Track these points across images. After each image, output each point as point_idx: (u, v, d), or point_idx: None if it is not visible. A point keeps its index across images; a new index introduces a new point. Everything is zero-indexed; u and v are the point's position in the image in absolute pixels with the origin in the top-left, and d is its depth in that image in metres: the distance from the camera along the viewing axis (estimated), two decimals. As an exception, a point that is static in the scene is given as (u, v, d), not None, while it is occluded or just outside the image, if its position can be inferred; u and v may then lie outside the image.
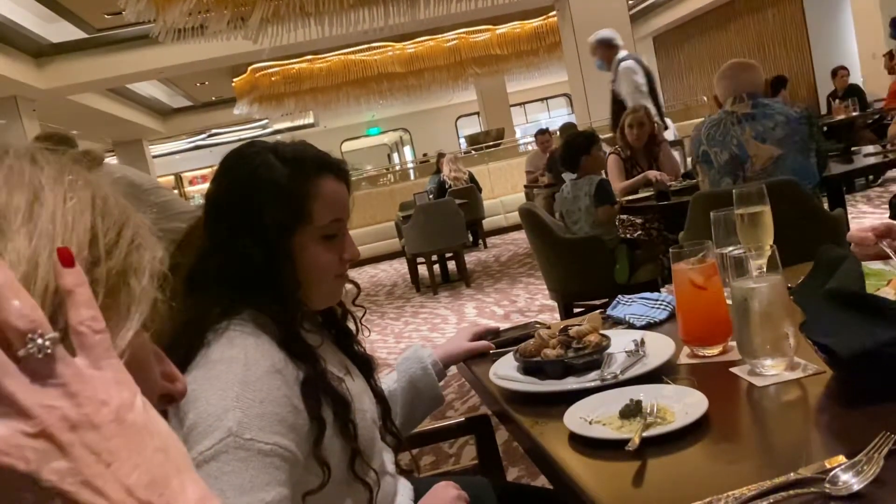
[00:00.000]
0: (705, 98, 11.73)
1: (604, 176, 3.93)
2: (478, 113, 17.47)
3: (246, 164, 1.05)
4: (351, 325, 1.21)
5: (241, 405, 0.91)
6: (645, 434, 0.92)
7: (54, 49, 9.61)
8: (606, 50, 5.00)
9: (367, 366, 1.20)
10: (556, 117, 19.98)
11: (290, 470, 0.92)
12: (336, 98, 12.99)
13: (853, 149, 4.48)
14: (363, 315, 1.21)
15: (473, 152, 12.11)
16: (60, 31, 9.36)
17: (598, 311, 1.63)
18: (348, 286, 1.16)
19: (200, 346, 0.97)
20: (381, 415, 1.18)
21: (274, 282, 1.02)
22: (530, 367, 1.22)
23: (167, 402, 0.50)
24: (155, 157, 17.58)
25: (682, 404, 0.99)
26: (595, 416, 1.01)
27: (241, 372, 0.94)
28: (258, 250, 1.01)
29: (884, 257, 1.20)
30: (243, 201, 1.03)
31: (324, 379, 1.01)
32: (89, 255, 0.42)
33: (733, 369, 1.11)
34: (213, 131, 18.37)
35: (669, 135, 7.81)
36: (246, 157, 1.06)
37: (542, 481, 1.52)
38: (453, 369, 1.47)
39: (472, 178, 8.83)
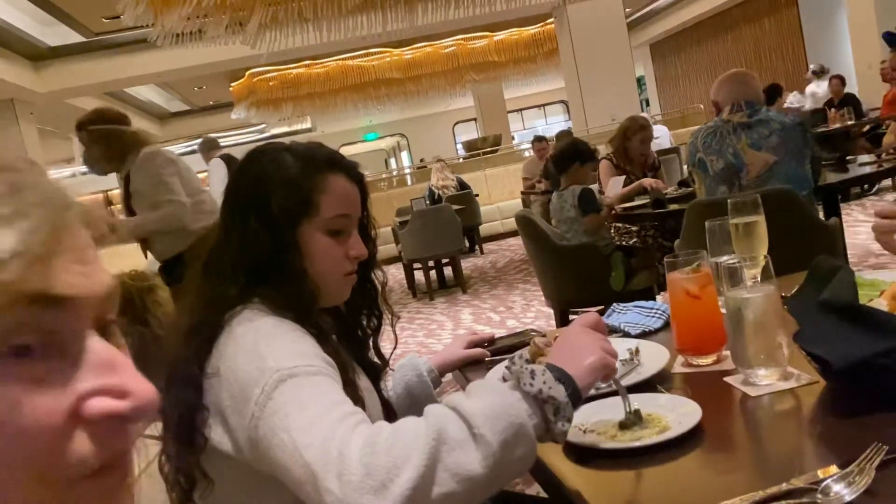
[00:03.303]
0: (701, 106, 11.77)
1: (587, 186, 3.96)
2: (475, 119, 17.52)
3: (260, 159, 1.13)
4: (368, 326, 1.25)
5: (271, 351, 0.93)
6: (639, 443, 0.92)
7: (52, 53, 9.62)
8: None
9: (374, 373, 1.23)
10: (552, 124, 20.04)
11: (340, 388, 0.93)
12: (334, 103, 13.03)
13: (848, 158, 4.49)
14: (394, 321, 1.26)
15: (471, 158, 12.13)
16: (58, 34, 9.36)
17: (593, 318, 1.64)
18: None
19: (223, 328, 0.99)
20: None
21: (282, 270, 1.06)
22: (525, 376, 1.23)
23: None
24: (152, 160, 17.56)
25: (676, 413, 0.99)
26: (589, 424, 1.01)
27: (267, 330, 0.97)
28: (266, 235, 1.06)
29: None
30: (255, 191, 1.09)
31: (338, 352, 1.03)
32: None
33: (727, 378, 1.12)
34: (211, 135, 18.38)
35: (665, 142, 7.87)
36: (261, 154, 1.14)
37: (536, 489, 1.52)
38: (449, 377, 1.47)
39: (461, 185, 8.73)
